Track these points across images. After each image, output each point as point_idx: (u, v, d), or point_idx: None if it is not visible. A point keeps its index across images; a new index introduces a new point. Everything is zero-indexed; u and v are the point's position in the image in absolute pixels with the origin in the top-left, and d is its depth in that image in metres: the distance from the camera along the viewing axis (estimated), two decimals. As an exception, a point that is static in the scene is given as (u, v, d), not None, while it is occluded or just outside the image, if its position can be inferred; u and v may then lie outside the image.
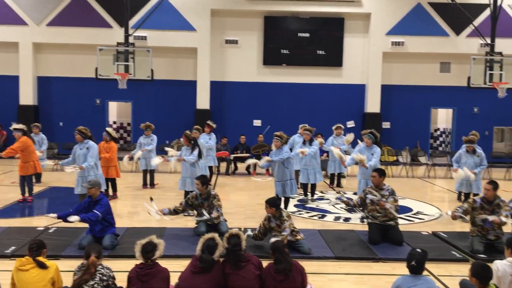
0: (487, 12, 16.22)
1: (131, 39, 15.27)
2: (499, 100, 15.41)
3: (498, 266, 4.54)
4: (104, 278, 4.25)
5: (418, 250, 4.53)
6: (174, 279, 4.62)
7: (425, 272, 5.69)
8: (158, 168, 11.97)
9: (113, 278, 4.35)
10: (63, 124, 17.30)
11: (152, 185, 11.55)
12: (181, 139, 9.20)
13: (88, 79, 16.32)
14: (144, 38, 16.49)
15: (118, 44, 14.77)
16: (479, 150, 9.49)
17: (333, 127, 12.16)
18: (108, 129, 10.21)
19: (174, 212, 7.27)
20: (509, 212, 6.45)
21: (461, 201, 10.06)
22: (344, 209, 9.48)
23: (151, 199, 7.15)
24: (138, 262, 4.49)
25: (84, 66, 16.75)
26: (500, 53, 15.05)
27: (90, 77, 15.44)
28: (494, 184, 6.62)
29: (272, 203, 6.52)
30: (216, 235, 4.71)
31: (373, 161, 8.57)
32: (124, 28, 15.24)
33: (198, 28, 16.76)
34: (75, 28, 16.63)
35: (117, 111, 19.43)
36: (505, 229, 6.78)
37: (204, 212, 7.08)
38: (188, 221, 7.98)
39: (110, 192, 10.07)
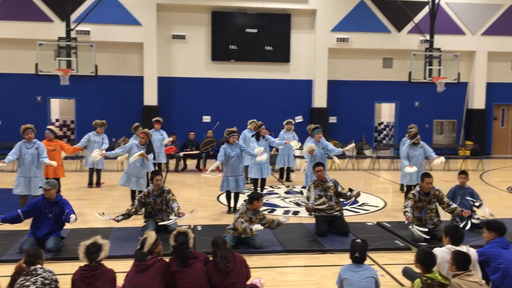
0: (426, 10, 16.90)
1: (73, 34, 14.74)
2: (438, 94, 16.13)
3: (437, 253, 4.76)
4: (46, 282, 4.10)
5: (358, 241, 4.68)
6: (121, 280, 4.53)
7: (369, 261, 5.91)
8: (104, 166, 11.63)
9: (56, 281, 4.21)
10: (2, 123, 16.49)
11: (98, 184, 11.25)
12: (133, 139, 8.98)
13: (28, 75, 15.63)
14: (87, 32, 15.96)
15: (60, 38, 14.23)
16: (421, 142, 9.82)
17: (284, 122, 12.32)
18: (51, 127, 9.84)
19: (128, 216, 7.12)
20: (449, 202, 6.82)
21: (403, 192, 10.45)
22: (293, 202, 9.63)
23: (102, 214, 6.92)
24: (83, 264, 4.37)
25: (24, 62, 16.00)
26: (439, 49, 15.75)
27: (30, 73, 14.80)
28: (431, 176, 6.94)
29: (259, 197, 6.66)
30: (152, 233, 4.66)
31: (336, 149, 9.14)
32: (65, 22, 14.69)
33: (144, 23, 16.42)
34: (13, 22, 15.83)
35: (59, 108, 18.72)
36: (443, 217, 7.13)
37: (172, 217, 6.98)
38: (136, 220, 7.83)
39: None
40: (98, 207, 9.28)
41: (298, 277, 5.65)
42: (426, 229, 6.69)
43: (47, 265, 4.34)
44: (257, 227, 6.45)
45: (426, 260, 4.37)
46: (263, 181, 10.47)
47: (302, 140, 12.75)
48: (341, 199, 7.51)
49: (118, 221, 6.94)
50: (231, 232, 6.58)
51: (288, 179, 12.35)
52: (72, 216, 6.22)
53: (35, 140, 8.26)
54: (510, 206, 9.49)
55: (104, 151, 9.14)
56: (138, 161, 8.54)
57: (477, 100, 18.27)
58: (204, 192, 10.84)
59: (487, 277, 4.78)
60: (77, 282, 4.22)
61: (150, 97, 16.69)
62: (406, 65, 16.81)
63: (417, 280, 4.31)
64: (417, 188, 7.06)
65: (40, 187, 6.94)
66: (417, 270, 4.59)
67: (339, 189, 7.45)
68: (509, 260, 4.75)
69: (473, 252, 4.77)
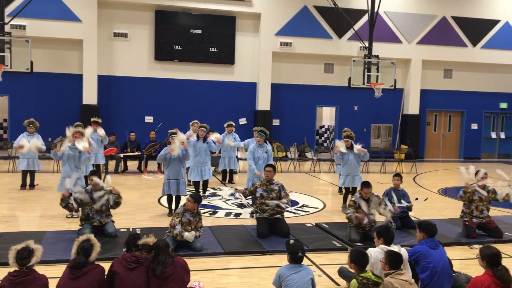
0: (366, 18, 17.52)
1: (7, 28, 14.05)
2: (376, 99, 16.77)
3: (371, 253, 4.96)
4: (-28, 289, 3.89)
5: (291, 241, 4.80)
6: (53, 285, 4.36)
7: (307, 262, 6.05)
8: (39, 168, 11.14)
9: (-18, 288, 4.00)
10: None
11: (32, 186, 10.76)
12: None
13: (-45, 69, 14.68)
14: (22, 27, 15.23)
15: (-8, 32, 13.51)
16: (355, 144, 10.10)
17: (225, 125, 12.33)
18: None
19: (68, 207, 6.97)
20: (385, 206, 7.11)
21: (341, 194, 10.75)
22: (235, 204, 9.67)
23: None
24: (13, 269, 4.17)
25: (-49, 55, 15.02)
26: (377, 56, 16.37)
27: (-42, 67, 13.91)
28: (370, 185, 7.19)
29: (198, 199, 6.62)
30: (91, 236, 4.51)
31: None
32: (-2, 15, 13.97)
33: (84, 19, 15.89)
34: None
35: (-9, 106, 17.74)
36: (379, 218, 7.42)
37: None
38: (71, 224, 7.57)
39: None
40: (32, 209, 8.88)
41: (238, 279, 5.68)
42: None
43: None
44: (188, 236, 6.39)
45: (359, 260, 4.54)
46: (205, 183, 10.44)
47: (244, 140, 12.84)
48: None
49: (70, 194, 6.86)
50: (171, 235, 6.50)
51: (230, 181, 12.37)
52: None
53: None
54: (441, 208, 10.02)
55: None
56: (72, 163, 8.31)
57: (412, 105, 19.15)
58: (145, 193, 10.65)
59: (417, 276, 5.03)
60: (6, 288, 4.02)
61: (90, 96, 16.17)
62: (346, 70, 17.34)
63: (353, 281, 4.46)
64: (357, 195, 7.28)
65: None
66: (351, 270, 4.76)
67: (282, 194, 7.50)
68: (437, 260, 5.02)
69: (404, 252, 5.00)
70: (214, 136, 10.65)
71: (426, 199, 8.18)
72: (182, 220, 6.51)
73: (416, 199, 8.11)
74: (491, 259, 4.43)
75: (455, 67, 19.69)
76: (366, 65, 16.14)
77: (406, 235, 7.48)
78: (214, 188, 11.37)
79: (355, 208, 7.13)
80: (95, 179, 6.97)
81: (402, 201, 7.65)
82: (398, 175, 8.15)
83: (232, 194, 7.74)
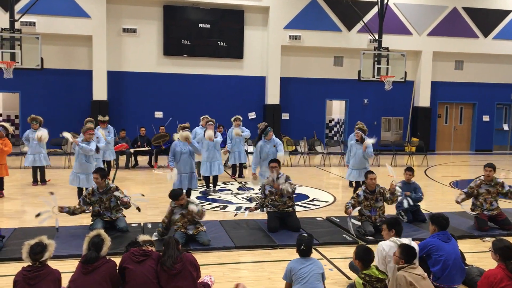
0: (375, 10, 17.37)
1: (17, 25, 14.14)
2: (386, 92, 16.65)
3: (384, 246, 4.90)
4: (-14, 284, 3.93)
5: (305, 234, 4.78)
6: (66, 280, 4.40)
7: (318, 255, 6.05)
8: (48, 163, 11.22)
9: (-4, 283, 4.05)
10: None
11: (44, 181, 10.86)
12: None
13: (-33, 67, 14.84)
14: (32, 24, 15.33)
15: (3, 30, 13.60)
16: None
17: (232, 119, 12.35)
18: (4, 123, 9.44)
19: (73, 213, 6.93)
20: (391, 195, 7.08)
21: (352, 187, 10.76)
22: (245, 198, 9.68)
23: (52, 193, 6.70)
24: (26, 264, 4.22)
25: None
26: (387, 48, 16.24)
27: (-30, 65, 14.05)
28: (374, 173, 7.16)
29: (173, 195, 6.54)
30: (102, 231, 4.54)
31: (282, 152, 9.03)
32: (9, 13, 14.06)
33: (93, 15, 15.95)
34: (-50, 11, 15.00)
35: (3, 103, 17.92)
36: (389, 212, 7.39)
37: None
38: (83, 219, 7.63)
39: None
40: (43, 204, 8.95)
41: (249, 273, 5.69)
42: (359, 223, 6.96)
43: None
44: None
45: (364, 256, 4.50)
46: (215, 178, 10.47)
47: (255, 136, 12.85)
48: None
49: (62, 211, 6.72)
50: (179, 230, 6.52)
51: (240, 175, 12.39)
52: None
53: None
54: (452, 201, 9.90)
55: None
56: (82, 157, 8.37)
57: (423, 98, 19.00)
58: (155, 188, 10.70)
59: (428, 269, 4.99)
60: (19, 283, 4.06)
61: (99, 91, 16.25)
62: (356, 63, 17.22)
63: (357, 278, 4.44)
64: (363, 187, 7.24)
65: None
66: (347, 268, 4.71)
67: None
68: (449, 253, 4.98)
69: (415, 245, 4.97)
70: (207, 135, 10.10)
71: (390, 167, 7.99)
72: (174, 218, 6.52)
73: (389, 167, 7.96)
74: (504, 252, 4.38)
75: (466, 59, 19.47)
76: (376, 57, 16.02)
77: (417, 228, 7.44)
78: (224, 183, 11.39)
79: (356, 201, 7.10)
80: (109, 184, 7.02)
81: (404, 200, 7.56)
82: (409, 169, 8.09)
83: (238, 209, 7.61)
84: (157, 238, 6.41)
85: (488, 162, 7.72)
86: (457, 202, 7.60)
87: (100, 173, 7.02)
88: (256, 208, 7.52)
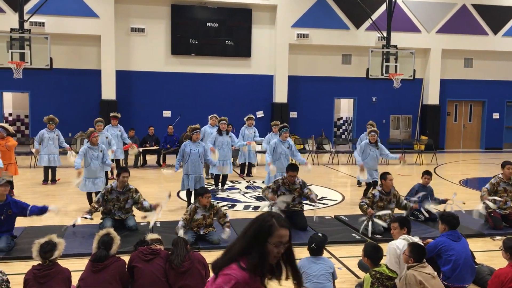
0: (383, 7, 17.27)
1: (26, 25, 14.23)
2: (395, 90, 16.55)
3: (397, 245, 4.85)
4: (-3, 282, 3.97)
5: (319, 234, 4.77)
6: (76, 278, 4.43)
7: (327, 254, 6.03)
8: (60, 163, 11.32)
9: (7, 281, 4.09)
10: (-50, 117, 15.76)
11: (54, 180, 10.94)
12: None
13: (-23, 67, 15.00)
14: (41, 24, 15.43)
15: (12, 30, 13.70)
16: (379, 143, 9.98)
17: (245, 118, 12.37)
18: (3, 124, 9.50)
19: (91, 213, 6.97)
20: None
21: (360, 186, 10.71)
22: (254, 197, 9.68)
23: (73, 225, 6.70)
24: (36, 263, 4.25)
25: (-27, 54, 15.31)
26: (395, 46, 16.14)
27: (-20, 65, 14.20)
28: (391, 175, 7.12)
29: (201, 192, 6.55)
30: (111, 230, 4.57)
31: (300, 156, 9.26)
32: (18, 13, 14.16)
33: (101, 15, 16.02)
34: (-39, 12, 15.14)
35: (12, 102, 18.06)
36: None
37: (152, 214, 6.81)
38: (93, 217, 7.65)
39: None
40: (53, 203, 9.00)
41: (257, 271, 5.68)
42: (385, 224, 6.83)
43: (-2, 266, 4.19)
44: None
45: (373, 254, 4.48)
46: (224, 177, 10.48)
47: (263, 135, 12.86)
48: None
49: (87, 218, 6.76)
50: (191, 230, 6.54)
51: (249, 174, 12.39)
52: (52, 206, 6.30)
53: None
54: (462, 199, 9.85)
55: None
56: (99, 160, 8.35)
57: (432, 96, 18.87)
58: (164, 187, 10.73)
59: (438, 269, 4.96)
60: (30, 281, 4.10)
61: (108, 91, 16.33)
62: (364, 61, 17.13)
63: (367, 275, 4.42)
64: (378, 188, 7.20)
65: None
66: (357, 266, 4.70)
67: (306, 191, 7.43)
68: (459, 252, 4.94)
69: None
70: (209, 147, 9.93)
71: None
72: (195, 218, 6.51)
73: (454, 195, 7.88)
74: (514, 251, 4.35)
75: (476, 56, 19.31)
76: (384, 55, 15.93)
77: (427, 227, 7.41)
78: (232, 182, 11.40)
79: (371, 201, 7.07)
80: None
81: (422, 209, 7.57)
82: (428, 173, 8.09)
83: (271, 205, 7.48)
84: (183, 233, 6.24)
85: (506, 160, 7.69)
86: (483, 199, 7.48)
87: (128, 172, 7.11)
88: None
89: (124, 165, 13.12)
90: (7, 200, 6.16)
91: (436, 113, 18.96)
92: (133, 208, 7.25)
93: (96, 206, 7.05)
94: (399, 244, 4.84)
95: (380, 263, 4.42)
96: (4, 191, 6.08)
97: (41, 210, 6.29)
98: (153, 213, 6.79)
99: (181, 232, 6.18)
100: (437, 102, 18.94)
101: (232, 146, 10.82)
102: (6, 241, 6.06)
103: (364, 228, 6.86)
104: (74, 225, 6.64)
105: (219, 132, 10.37)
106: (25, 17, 14.25)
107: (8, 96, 17.44)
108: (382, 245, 4.88)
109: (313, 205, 7.66)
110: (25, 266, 4.88)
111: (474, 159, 16.89)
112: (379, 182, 7.31)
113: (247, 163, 12.27)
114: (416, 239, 4.93)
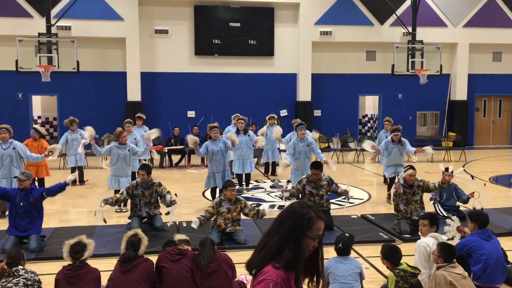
0: (408, 2, 16.99)
1: (53, 29, 14.53)
2: (421, 86, 16.27)
3: (427, 243, 4.73)
4: (29, 283, 4.06)
5: (346, 234, 4.72)
6: (105, 279, 4.50)
7: (354, 254, 5.96)
8: (88, 164, 11.55)
9: (39, 282, 4.17)
10: (-18, 121, 16.21)
11: (82, 181, 11.15)
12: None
13: (8, 72, 15.39)
14: (68, 28, 15.73)
15: (40, 34, 14.02)
16: (403, 139, 9.83)
17: (267, 117, 12.34)
18: (36, 126, 9.72)
19: (115, 202, 7.08)
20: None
21: (387, 184, 10.55)
22: (279, 196, 9.66)
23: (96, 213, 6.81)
24: (66, 263, 4.33)
25: (4, 59, 15.73)
26: (421, 41, 15.87)
27: (11, 70, 14.57)
28: (415, 170, 7.02)
29: (227, 185, 6.64)
30: (139, 231, 4.62)
31: (319, 152, 9.13)
32: (45, 18, 14.48)
33: (126, 18, 16.24)
34: (-9, 18, 15.56)
35: (41, 105, 18.47)
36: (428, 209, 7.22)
37: (170, 208, 6.92)
38: (120, 218, 7.79)
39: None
40: (82, 204, 9.21)
41: (284, 271, 5.66)
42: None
43: (29, 266, 4.29)
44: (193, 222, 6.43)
45: (392, 255, 4.40)
46: (248, 176, 10.48)
47: (287, 134, 12.80)
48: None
49: (108, 203, 6.88)
50: (216, 228, 6.57)
51: (273, 173, 12.37)
52: (69, 177, 6.65)
53: (11, 140, 8.03)
54: (493, 197, 9.57)
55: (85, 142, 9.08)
56: (123, 162, 8.45)
57: (459, 91, 18.48)
58: (189, 187, 10.81)
59: (469, 269, 4.85)
60: (61, 282, 4.18)
61: (134, 92, 16.54)
62: (389, 57, 16.89)
63: (391, 274, 4.34)
64: (401, 181, 7.12)
65: (15, 177, 6.78)
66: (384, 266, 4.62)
67: (333, 187, 7.41)
68: (490, 251, 4.81)
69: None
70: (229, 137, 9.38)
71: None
72: (220, 210, 6.56)
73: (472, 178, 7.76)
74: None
75: (505, 50, 18.81)
76: (410, 51, 15.68)
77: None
78: (257, 181, 11.40)
79: (395, 194, 7.02)
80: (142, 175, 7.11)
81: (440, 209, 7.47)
82: (446, 170, 7.89)
83: (287, 198, 7.49)
84: (196, 226, 6.38)
85: None
86: None
87: (146, 170, 7.18)
88: (292, 194, 7.38)
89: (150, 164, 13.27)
90: (30, 187, 6.36)
91: (464, 109, 18.56)
92: (160, 204, 7.30)
93: (118, 195, 7.12)
94: (429, 242, 4.74)
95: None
96: (27, 184, 6.28)
97: (60, 188, 6.54)
98: (173, 207, 6.85)
99: (194, 224, 6.34)
100: (465, 98, 18.54)
101: (253, 145, 10.80)
102: (36, 242, 6.20)
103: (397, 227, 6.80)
104: (104, 220, 6.71)
105: (237, 132, 10.34)
106: (52, 22, 14.55)
107: (37, 99, 17.83)
108: (410, 244, 4.80)
109: (344, 200, 7.59)
110: (56, 267, 4.98)
111: (504, 155, 16.46)
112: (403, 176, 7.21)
113: (270, 162, 12.24)
114: (444, 237, 4.83)
